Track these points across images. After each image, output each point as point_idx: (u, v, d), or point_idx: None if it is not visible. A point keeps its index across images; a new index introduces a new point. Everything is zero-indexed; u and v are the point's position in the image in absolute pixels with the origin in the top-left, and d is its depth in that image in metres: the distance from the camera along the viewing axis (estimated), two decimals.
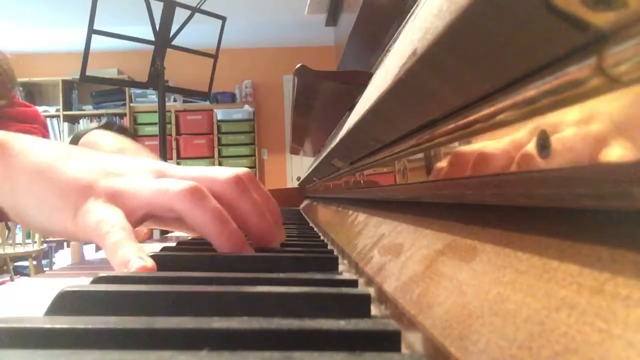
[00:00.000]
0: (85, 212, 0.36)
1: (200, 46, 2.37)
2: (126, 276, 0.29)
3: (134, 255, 0.32)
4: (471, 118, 0.19)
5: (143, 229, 0.53)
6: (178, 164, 4.81)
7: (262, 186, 0.44)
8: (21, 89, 4.67)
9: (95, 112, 4.98)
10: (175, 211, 0.37)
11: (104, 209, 0.36)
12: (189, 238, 0.56)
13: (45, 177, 0.37)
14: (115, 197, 0.37)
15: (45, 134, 0.89)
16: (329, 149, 0.64)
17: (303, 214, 1.19)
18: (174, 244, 0.48)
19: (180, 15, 2.13)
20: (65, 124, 4.89)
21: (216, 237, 0.37)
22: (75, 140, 0.65)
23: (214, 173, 0.41)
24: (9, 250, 3.29)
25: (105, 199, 0.37)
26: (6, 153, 0.39)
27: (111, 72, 4.64)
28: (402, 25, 0.42)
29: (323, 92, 0.62)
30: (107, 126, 0.69)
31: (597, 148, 0.11)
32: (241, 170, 0.42)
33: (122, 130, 0.70)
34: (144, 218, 0.38)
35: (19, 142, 0.40)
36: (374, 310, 0.26)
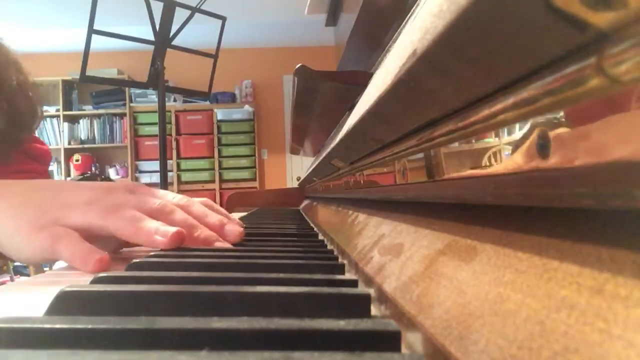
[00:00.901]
0: (43, 241, 0.42)
1: (200, 46, 2.37)
2: (126, 276, 0.29)
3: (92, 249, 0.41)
4: (471, 118, 0.19)
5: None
6: (178, 164, 4.84)
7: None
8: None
9: (95, 112, 4.98)
10: (103, 228, 0.43)
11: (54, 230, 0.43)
12: None
13: (7, 217, 0.44)
14: (56, 225, 0.43)
15: (47, 176, 0.89)
16: (329, 149, 0.64)
17: (303, 214, 1.19)
18: None
19: (180, 15, 2.13)
20: (65, 124, 4.89)
21: (133, 235, 0.43)
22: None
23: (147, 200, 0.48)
24: None
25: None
26: None
27: (111, 72, 4.64)
28: (402, 25, 0.42)
29: (323, 92, 0.62)
30: (93, 177, 0.77)
31: (597, 148, 0.11)
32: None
33: (107, 180, 0.76)
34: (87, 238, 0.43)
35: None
36: (374, 310, 0.26)
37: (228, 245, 0.47)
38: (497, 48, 0.15)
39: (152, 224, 0.44)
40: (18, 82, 0.75)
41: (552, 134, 0.13)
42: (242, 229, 0.50)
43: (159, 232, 0.43)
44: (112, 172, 4.92)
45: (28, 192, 0.46)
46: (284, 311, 0.22)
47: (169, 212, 0.47)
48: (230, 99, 5.01)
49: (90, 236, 0.44)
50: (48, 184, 0.48)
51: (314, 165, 1.06)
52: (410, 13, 0.38)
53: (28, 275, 3.39)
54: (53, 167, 4.86)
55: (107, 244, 0.50)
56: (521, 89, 0.15)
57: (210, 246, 0.47)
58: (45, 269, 3.66)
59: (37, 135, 0.90)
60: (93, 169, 4.88)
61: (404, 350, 0.19)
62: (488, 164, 0.18)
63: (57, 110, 4.86)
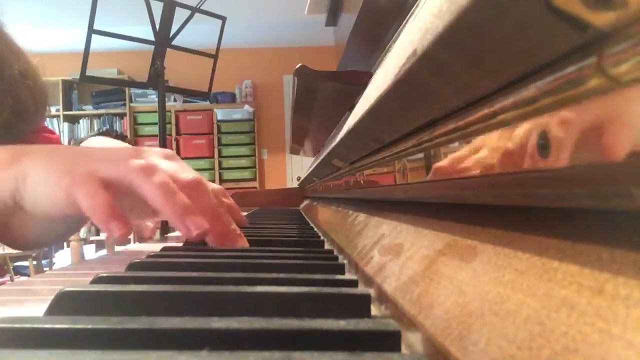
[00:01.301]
0: (68, 188, 0.40)
1: (200, 46, 2.37)
2: (126, 276, 0.29)
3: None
4: (471, 118, 0.19)
5: (149, 224, 0.55)
6: None
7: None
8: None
9: (95, 112, 4.98)
10: (133, 187, 0.40)
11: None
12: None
13: (39, 165, 0.42)
14: (88, 175, 0.40)
15: None
16: (329, 149, 0.64)
17: (303, 214, 1.19)
18: (175, 244, 0.48)
19: (180, 15, 2.13)
20: (65, 123, 4.89)
21: (163, 206, 0.40)
22: (77, 144, 0.69)
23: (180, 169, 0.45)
24: (9, 250, 3.29)
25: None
26: (22, 151, 0.44)
27: (111, 72, 4.64)
28: (402, 25, 0.42)
29: (323, 92, 0.62)
30: (107, 133, 0.75)
31: (597, 148, 0.11)
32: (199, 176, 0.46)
33: (121, 137, 0.73)
34: (116, 192, 0.41)
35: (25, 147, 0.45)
36: (374, 310, 0.26)
37: (239, 246, 0.46)
38: (497, 48, 0.15)
39: (184, 203, 0.41)
40: (20, 71, 0.73)
41: (552, 134, 0.13)
42: (246, 243, 0.47)
43: (190, 221, 0.41)
44: None
45: (57, 148, 0.45)
46: (284, 311, 0.22)
47: (202, 192, 0.44)
48: (230, 99, 5.01)
49: (121, 196, 0.41)
50: (77, 147, 0.47)
51: (314, 165, 1.06)
52: (410, 13, 0.38)
53: (28, 275, 3.39)
54: None
55: (135, 210, 0.47)
56: (521, 89, 0.15)
57: (224, 244, 0.45)
58: (45, 269, 3.66)
59: (54, 130, 0.89)
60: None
61: (404, 350, 0.19)
62: (488, 163, 0.18)
63: (57, 110, 4.86)
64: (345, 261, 0.38)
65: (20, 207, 0.43)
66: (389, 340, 0.18)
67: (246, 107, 4.95)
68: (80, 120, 4.99)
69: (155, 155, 0.45)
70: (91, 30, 1.94)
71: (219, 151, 4.93)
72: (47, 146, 0.45)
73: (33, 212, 0.42)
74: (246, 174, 4.95)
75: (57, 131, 4.86)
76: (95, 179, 0.40)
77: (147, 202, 0.41)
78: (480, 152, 0.19)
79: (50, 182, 0.41)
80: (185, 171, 0.45)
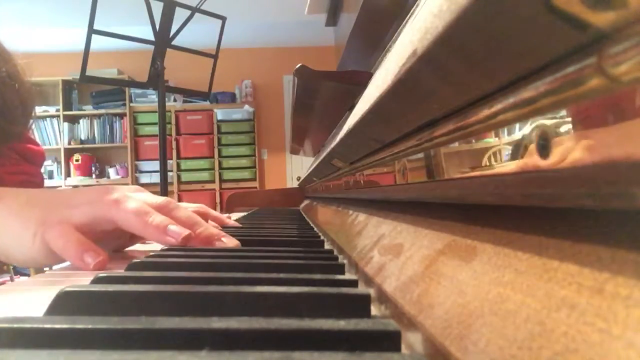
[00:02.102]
0: (42, 236, 0.42)
1: (200, 46, 2.37)
2: (126, 276, 0.29)
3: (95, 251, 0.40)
4: (471, 118, 0.19)
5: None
6: (178, 164, 4.83)
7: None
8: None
9: (95, 112, 4.98)
10: (109, 219, 0.43)
11: (59, 229, 0.42)
12: None
13: (12, 215, 0.43)
14: (62, 222, 0.43)
15: (42, 180, 0.87)
16: (329, 149, 0.64)
17: (303, 214, 1.19)
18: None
19: (180, 15, 2.13)
20: (65, 124, 4.89)
21: (142, 228, 0.43)
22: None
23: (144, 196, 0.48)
24: None
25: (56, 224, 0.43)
26: None
27: (111, 72, 4.64)
28: (402, 25, 0.42)
29: (323, 92, 0.62)
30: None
31: (597, 148, 0.11)
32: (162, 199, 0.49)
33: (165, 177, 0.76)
34: (91, 233, 0.44)
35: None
36: (374, 310, 0.26)
37: (229, 245, 0.47)
38: (497, 48, 0.15)
39: (160, 219, 0.44)
40: (7, 73, 0.73)
41: (552, 134, 0.13)
42: (237, 242, 0.49)
43: (171, 231, 0.43)
44: (112, 172, 4.92)
45: (32, 194, 0.46)
46: (284, 311, 0.22)
47: (173, 208, 0.47)
48: (230, 99, 5.01)
49: (97, 235, 0.44)
50: (50, 189, 0.49)
51: (314, 165, 1.06)
52: (410, 13, 0.38)
53: (28, 275, 3.39)
54: (53, 167, 4.86)
55: (111, 244, 0.50)
56: (521, 89, 0.15)
57: (211, 245, 0.47)
58: (45, 269, 3.65)
59: (36, 134, 0.89)
60: (93, 169, 4.88)
61: (404, 350, 0.19)
62: (488, 164, 0.18)
63: (57, 110, 4.85)
64: (345, 261, 0.38)
65: None
66: (389, 340, 0.18)
67: (246, 107, 4.95)
68: (80, 120, 4.99)
69: (124, 190, 0.47)
70: (91, 30, 1.94)
71: (219, 151, 4.93)
72: (17, 191, 0.46)
73: (9, 262, 0.44)
74: (246, 174, 4.95)
75: (57, 131, 4.87)
76: (69, 224, 0.42)
77: (126, 228, 0.44)
78: (479, 152, 0.19)
79: (29, 233, 0.42)
80: (154, 197, 0.48)
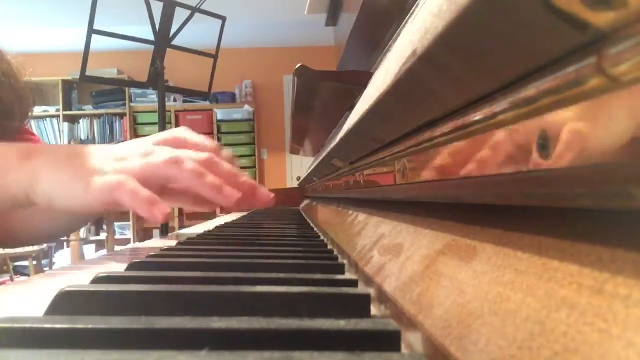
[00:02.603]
0: (99, 184, 0.43)
1: (200, 46, 2.37)
2: (126, 276, 0.29)
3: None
4: (471, 118, 0.19)
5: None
6: None
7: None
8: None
9: (95, 112, 4.98)
10: (166, 178, 0.45)
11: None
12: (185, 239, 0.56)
13: (61, 164, 0.45)
14: (119, 172, 0.44)
15: None
16: (329, 149, 0.64)
17: (303, 214, 1.19)
18: (174, 243, 0.48)
19: (180, 15, 2.13)
20: (65, 124, 4.89)
21: (201, 189, 0.45)
22: None
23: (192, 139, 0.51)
24: (9, 250, 3.28)
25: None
26: (29, 149, 0.47)
27: (111, 72, 4.64)
28: (402, 25, 0.42)
29: (323, 92, 0.62)
30: None
31: (597, 148, 0.11)
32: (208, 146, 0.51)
33: None
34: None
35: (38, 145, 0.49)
36: (374, 310, 0.26)
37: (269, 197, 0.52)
38: (497, 48, 0.15)
39: (216, 181, 0.46)
40: (2, 71, 0.74)
41: (552, 134, 0.13)
42: (272, 195, 0.53)
43: (226, 192, 0.46)
44: None
45: (73, 147, 0.47)
46: (284, 311, 0.22)
47: (217, 162, 0.49)
48: (230, 99, 5.01)
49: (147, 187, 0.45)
50: (87, 146, 0.50)
51: (314, 165, 1.06)
52: (410, 13, 0.38)
53: (28, 275, 3.39)
54: None
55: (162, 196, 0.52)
56: (521, 89, 0.15)
57: (254, 197, 0.51)
58: (45, 269, 3.65)
59: (35, 133, 0.89)
60: None
61: (404, 350, 0.19)
62: (488, 163, 0.18)
63: (57, 110, 4.85)
64: (345, 261, 0.38)
65: (32, 204, 0.45)
66: (389, 340, 0.18)
67: (246, 107, 4.95)
68: (80, 120, 4.99)
69: (166, 144, 0.49)
70: (91, 30, 1.94)
71: None
72: (58, 146, 0.48)
73: (48, 208, 0.45)
74: (246, 174, 4.95)
75: (57, 131, 4.86)
76: (131, 178, 0.43)
77: (183, 186, 0.47)
78: (480, 152, 0.19)
79: (82, 181, 0.43)
80: (196, 154, 0.48)
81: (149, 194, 0.42)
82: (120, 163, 0.45)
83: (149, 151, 0.47)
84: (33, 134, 0.88)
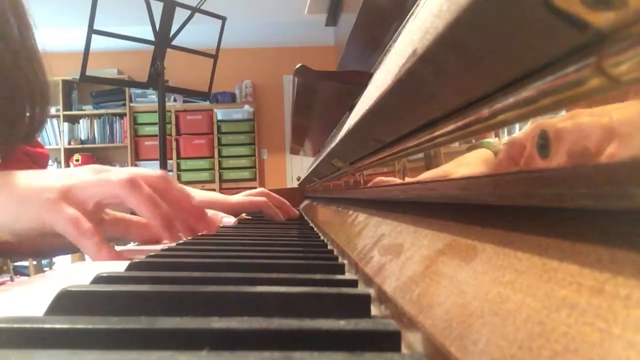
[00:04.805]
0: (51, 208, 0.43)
1: (200, 46, 2.37)
2: (126, 276, 0.29)
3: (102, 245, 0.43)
4: (471, 118, 0.19)
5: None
6: (178, 164, 4.83)
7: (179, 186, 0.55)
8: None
9: (95, 112, 4.98)
10: (118, 197, 0.46)
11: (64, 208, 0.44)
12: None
13: (14, 190, 0.45)
14: (68, 194, 0.45)
15: None
16: (329, 149, 0.64)
17: (303, 213, 1.19)
18: (174, 242, 0.48)
19: (180, 15, 2.13)
20: (65, 124, 4.89)
21: (151, 217, 0.47)
22: None
23: (144, 170, 0.52)
24: None
25: (60, 196, 0.44)
26: None
27: (111, 72, 4.64)
28: (402, 25, 0.42)
29: (323, 92, 0.62)
30: None
31: (597, 148, 0.11)
32: (159, 172, 0.53)
33: None
34: (96, 207, 0.47)
35: None
36: (374, 310, 0.26)
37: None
38: (497, 48, 0.15)
39: (168, 213, 0.48)
40: (19, 31, 0.72)
41: (552, 134, 0.13)
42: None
43: (173, 229, 0.48)
44: None
45: (28, 173, 0.48)
46: (284, 311, 0.22)
47: (169, 184, 0.52)
48: (230, 99, 5.01)
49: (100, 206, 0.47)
50: (41, 171, 0.50)
51: (314, 166, 1.06)
52: (410, 13, 0.38)
53: (28, 275, 3.39)
54: (53, 167, 4.86)
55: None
56: (521, 89, 0.15)
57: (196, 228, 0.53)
58: (45, 269, 3.66)
59: (43, 144, 0.89)
60: None
61: (404, 350, 0.19)
62: (488, 163, 0.18)
63: (57, 110, 4.85)
64: (345, 261, 0.38)
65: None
66: (389, 340, 0.18)
67: (246, 107, 4.95)
68: (80, 120, 4.99)
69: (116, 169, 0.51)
70: (91, 30, 1.94)
71: (219, 151, 4.93)
72: (11, 173, 0.48)
73: (9, 233, 0.45)
74: (246, 174, 4.95)
75: (57, 131, 4.87)
76: (76, 208, 0.44)
77: (137, 211, 0.47)
78: (480, 152, 0.19)
79: (32, 204, 0.43)
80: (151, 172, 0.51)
81: (98, 238, 0.43)
82: (69, 190, 0.45)
83: (105, 169, 0.48)
84: (41, 145, 0.88)
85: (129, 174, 0.47)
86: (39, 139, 0.83)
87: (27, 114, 0.68)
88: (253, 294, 0.23)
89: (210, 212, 0.73)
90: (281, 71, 5.04)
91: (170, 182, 0.52)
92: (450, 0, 0.16)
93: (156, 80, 2.17)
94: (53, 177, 0.46)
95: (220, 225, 0.71)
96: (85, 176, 0.47)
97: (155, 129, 4.44)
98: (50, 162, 4.98)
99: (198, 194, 0.80)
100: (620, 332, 0.10)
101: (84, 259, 0.46)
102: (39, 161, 0.85)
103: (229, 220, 0.73)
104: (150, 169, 0.53)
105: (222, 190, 4.81)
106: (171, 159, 4.81)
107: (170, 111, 4.69)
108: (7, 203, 0.44)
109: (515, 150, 0.16)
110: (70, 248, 0.57)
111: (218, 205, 0.79)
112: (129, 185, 0.46)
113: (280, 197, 0.93)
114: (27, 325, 0.18)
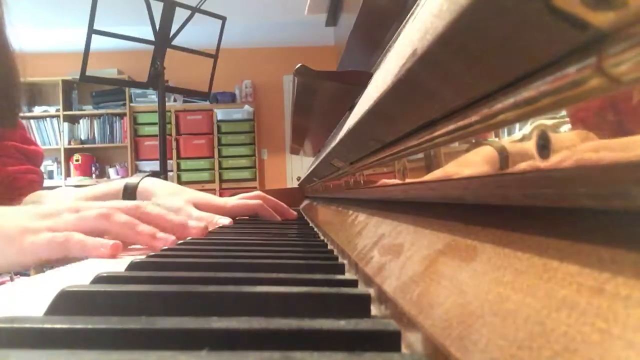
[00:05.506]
0: (32, 240, 0.46)
1: (200, 46, 2.37)
2: (126, 276, 0.29)
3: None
4: (471, 118, 0.19)
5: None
6: (178, 164, 4.83)
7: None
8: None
9: (95, 112, 4.98)
10: (98, 228, 0.49)
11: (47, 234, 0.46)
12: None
13: None
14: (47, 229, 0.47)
15: (42, 176, 0.90)
16: (329, 149, 0.64)
17: (303, 213, 1.19)
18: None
19: (180, 15, 2.13)
20: (65, 124, 4.89)
21: (135, 237, 0.50)
22: (131, 189, 0.78)
23: (117, 203, 0.55)
24: None
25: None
26: None
27: (111, 72, 4.64)
28: (402, 25, 0.42)
29: (323, 92, 0.62)
30: (154, 175, 0.88)
31: (597, 148, 0.11)
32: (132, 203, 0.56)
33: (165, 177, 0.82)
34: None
35: None
36: (374, 310, 0.26)
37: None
38: (497, 48, 0.15)
39: (147, 227, 0.51)
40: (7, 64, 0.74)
41: (552, 134, 0.13)
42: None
43: (160, 236, 0.51)
44: (112, 172, 4.92)
45: (8, 212, 0.49)
46: (284, 311, 0.22)
47: (142, 211, 0.54)
48: (230, 99, 5.01)
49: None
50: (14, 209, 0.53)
51: (314, 166, 1.06)
52: (410, 13, 0.38)
53: (28, 275, 3.39)
54: (53, 167, 4.86)
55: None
56: (521, 89, 0.15)
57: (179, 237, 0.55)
58: (45, 269, 3.65)
59: (36, 134, 0.90)
60: (93, 169, 4.88)
61: (404, 350, 0.19)
62: (488, 163, 0.18)
63: (57, 110, 4.85)
64: (345, 261, 0.38)
65: None
66: (389, 340, 0.18)
67: (246, 107, 4.95)
68: (80, 120, 4.99)
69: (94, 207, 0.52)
70: (91, 30, 1.94)
71: (219, 151, 4.93)
72: None
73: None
74: (246, 174, 4.95)
75: (57, 131, 4.86)
76: (74, 233, 0.46)
77: (120, 238, 0.49)
78: (480, 152, 0.19)
79: (15, 240, 0.45)
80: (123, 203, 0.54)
81: (95, 240, 0.45)
82: (52, 219, 0.48)
83: (79, 207, 0.50)
84: (35, 143, 0.88)
85: (106, 207, 0.50)
86: (37, 139, 0.84)
87: None
88: (253, 294, 0.23)
89: (205, 215, 0.73)
90: (281, 71, 5.04)
91: (144, 208, 0.55)
92: (450, 0, 0.16)
93: (156, 80, 2.17)
94: (37, 214, 0.49)
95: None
96: (65, 216, 0.49)
97: (155, 129, 4.43)
98: (50, 161, 4.97)
99: (193, 195, 0.80)
100: (620, 332, 0.10)
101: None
102: (32, 158, 0.85)
103: (225, 222, 0.73)
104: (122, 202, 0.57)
105: (222, 190, 4.81)
106: (171, 159, 4.81)
107: (170, 111, 4.69)
108: None
109: (515, 150, 0.16)
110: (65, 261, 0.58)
111: (213, 207, 0.78)
112: (104, 218, 0.49)
113: (277, 200, 0.93)
114: (27, 325, 0.18)
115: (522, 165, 0.15)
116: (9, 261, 0.45)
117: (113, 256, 0.45)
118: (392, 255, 0.29)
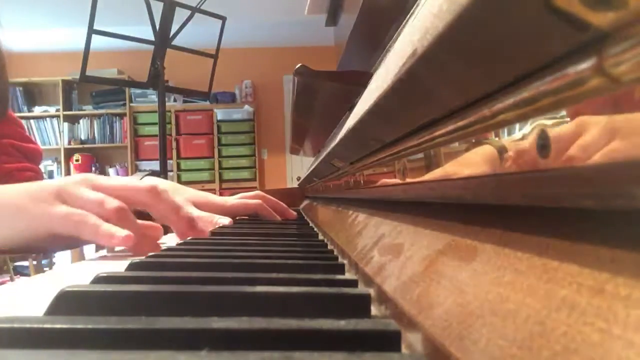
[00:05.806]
0: (47, 211, 0.45)
1: (200, 46, 2.37)
2: (126, 276, 0.29)
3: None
4: (471, 118, 0.19)
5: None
6: (178, 164, 4.83)
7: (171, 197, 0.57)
8: (21, 89, 4.65)
9: (95, 112, 4.98)
10: (145, 203, 0.50)
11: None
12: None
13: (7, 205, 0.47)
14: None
15: (42, 179, 0.89)
16: (329, 149, 0.64)
17: (303, 214, 1.19)
18: (174, 243, 0.48)
19: (180, 15, 2.13)
20: (65, 124, 4.89)
21: (174, 222, 0.51)
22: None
23: (135, 184, 0.54)
24: None
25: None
26: None
27: (111, 72, 4.64)
28: (402, 25, 0.42)
29: (323, 92, 0.62)
30: (154, 174, 0.84)
31: (597, 148, 0.11)
32: (158, 182, 0.56)
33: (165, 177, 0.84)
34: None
35: None
36: (374, 310, 0.26)
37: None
38: (497, 48, 0.15)
39: (189, 215, 0.52)
40: None
41: (552, 134, 0.13)
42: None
43: (199, 227, 0.52)
44: (112, 172, 4.92)
45: (18, 186, 0.49)
46: (284, 311, 0.22)
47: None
48: (230, 99, 5.01)
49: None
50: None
51: (314, 166, 1.06)
52: (410, 13, 0.38)
53: (28, 275, 3.39)
54: (53, 167, 4.86)
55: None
56: (521, 89, 0.15)
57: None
58: (45, 269, 3.65)
59: (36, 134, 0.90)
60: (93, 169, 4.88)
61: (404, 350, 0.19)
62: (488, 163, 0.18)
63: (57, 110, 4.85)
64: (345, 261, 0.38)
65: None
66: (389, 340, 0.18)
67: (246, 107, 4.95)
68: (80, 120, 4.99)
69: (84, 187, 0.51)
70: (91, 30, 1.94)
71: (219, 151, 4.93)
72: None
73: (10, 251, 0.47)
74: (246, 174, 4.95)
75: (57, 131, 4.86)
76: (84, 212, 0.46)
77: (162, 220, 0.52)
78: (480, 152, 0.19)
79: (28, 210, 0.44)
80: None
81: (108, 227, 0.44)
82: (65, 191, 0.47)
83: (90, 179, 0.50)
84: (33, 142, 0.89)
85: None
86: (37, 139, 0.85)
87: None
88: (253, 294, 0.23)
89: (205, 214, 0.73)
90: (281, 71, 5.04)
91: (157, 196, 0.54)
92: (450, 0, 0.16)
93: (156, 80, 2.18)
94: (55, 188, 0.48)
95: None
96: (109, 182, 0.49)
97: (155, 129, 4.43)
98: (50, 161, 4.97)
99: (193, 194, 0.80)
100: (620, 332, 0.10)
101: (83, 258, 0.47)
102: (30, 156, 0.85)
103: (224, 221, 0.73)
104: (141, 181, 0.56)
105: (222, 190, 4.81)
106: (171, 159, 4.81)
107: (170, 111, 4.69)
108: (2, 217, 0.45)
109: (515, 150, 0.16)
110: (69, 245, 0.58)
111: (213, 207, 0.79)
112: (156, 194, 0.49)
113: (276, 200, 0.93)
114: (27, 325, 0.18)
115: (522, 165, 0.15)
116: (17, 232, 0.44)
117: (128, 246, 0.44)
118: (392, 255, 0.29)
